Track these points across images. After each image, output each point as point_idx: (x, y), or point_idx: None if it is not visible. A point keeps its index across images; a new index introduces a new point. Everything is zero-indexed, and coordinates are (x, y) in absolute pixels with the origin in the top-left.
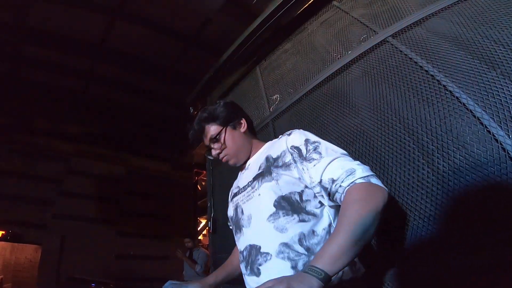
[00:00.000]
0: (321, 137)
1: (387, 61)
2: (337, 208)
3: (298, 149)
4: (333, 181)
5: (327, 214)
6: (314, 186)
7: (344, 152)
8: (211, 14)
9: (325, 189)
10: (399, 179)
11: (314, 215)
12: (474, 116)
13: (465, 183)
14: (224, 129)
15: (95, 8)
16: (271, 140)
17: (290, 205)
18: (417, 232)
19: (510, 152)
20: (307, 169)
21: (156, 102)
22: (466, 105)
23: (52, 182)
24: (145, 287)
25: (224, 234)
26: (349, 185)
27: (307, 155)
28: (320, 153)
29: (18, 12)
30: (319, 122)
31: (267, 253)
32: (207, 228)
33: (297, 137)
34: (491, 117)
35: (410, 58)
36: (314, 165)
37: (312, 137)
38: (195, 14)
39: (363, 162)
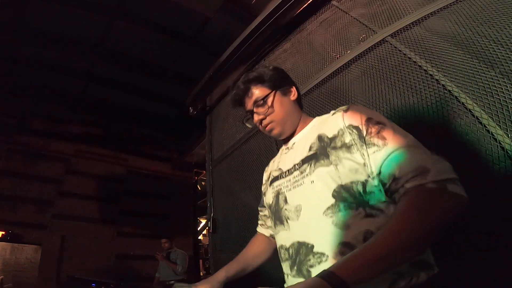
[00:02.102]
0: None
1: (386, 61)
2: None
3: (357, 129)
4: (395, 178)
5: (393, 209)
6: (373, 178)
7: (416, 140)
8: (210, 14)
9: (383, 184)
10: None
11: (381, 210)
12: (473, 115)
13: (464, 182)
14: (272, 92)
15: (94, 8)
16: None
17: (352, 197)
18: None
19: (509, 151)
20: (367, 156)
21: (156, 102)
22: (465, 104)
23: (52, 182)
24: (145, 287)
25: (224, 234)
26: (413, 187)
27: (367, 138)
28: (384, 138)
29: (17, 12)
30: None
31: (322, 254)
32: (207, 228)
33: (357, 114)
34: (489, 116)
35: (409, 58)
36: (374, 152)
37: (376, 116)
38: (195, 14)
39: None
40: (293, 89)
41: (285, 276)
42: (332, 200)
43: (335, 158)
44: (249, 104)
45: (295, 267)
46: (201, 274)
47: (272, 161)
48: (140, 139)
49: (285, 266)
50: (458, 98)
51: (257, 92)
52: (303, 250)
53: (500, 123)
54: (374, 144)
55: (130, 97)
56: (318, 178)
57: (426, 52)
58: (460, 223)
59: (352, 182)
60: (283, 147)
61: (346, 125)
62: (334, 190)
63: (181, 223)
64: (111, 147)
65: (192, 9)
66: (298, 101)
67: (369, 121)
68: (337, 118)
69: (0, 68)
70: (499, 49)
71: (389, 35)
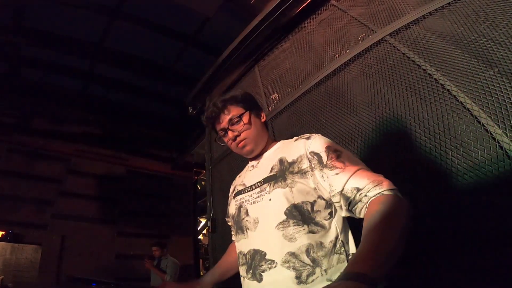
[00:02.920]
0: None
1: (385, 60)
2: (345, 220)
3: (318, 155)
4: (358, 190)
5: (335, 226)
6: (333, 195)
7: (364, 164)
8: (210, 14)
9: (346, 198)
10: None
11: (322, 226)
12: (472, 115)
13: (463, 181)
14: (247, 112)
15: (94, 8)
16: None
17: (301, 214)
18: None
19: (507, 151)
20: (327, 177)
21: (156, 102)
22: (464, 103)
23: (52, 182)
24: (145, 287)
25: (223, 233)
26: (375, 195)
27: (329, 163)
28: (343, 162)
29: (17, 12)
30: (318, 121)
31: (272, 261)
32: (207, 227)
33: (318, 142)
34: (488, 116)
35: (408, 57)
36: (337, 174)
37: (333, 145)
38: (195, 13)
39: (361, 160)
40: (263, 113)
41: (242, 278)
42: (284, 217)
43: (291, 181)
44: (224, 122)
45: (250, 271)
46: (201, 274)
47: (238, 176)
48: (140, 139)
49: (242, 270)
50: (457, 97)
51: (234, 110)
52: (257, 257)
53: (498, 122)
54: (336, 167)
55: (130, 97)
56: (275, 196)
57: (425, 51)
58: (458, 223)
59: (303, 202)
60: (249, 164)
61: (308, 152)
62: (287, 208)
63: (181, 223)
64: (111, 147)
65: (192, 9)
66: (266, 125)
67: (328, 148)
68: (299, 145)
69: (0, 68)
70: (498, 48)
71: (388, 35)
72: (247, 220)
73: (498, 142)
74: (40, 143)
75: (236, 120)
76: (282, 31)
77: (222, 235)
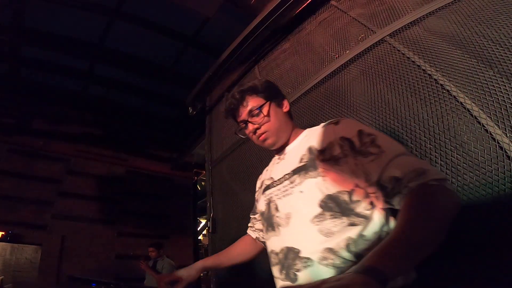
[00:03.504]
0: None
1: (385, 61)
2: (390, 210)
3: (349, 141)
4: (397, 180)
5: (379, 216)
6: (369, 185)
7: (404, 148)
8: (210, 14)
9: (383, 188)
10: None
11: (364, 217)
12: (471, 115)
13: (462, 182)
14: (267, 102)
15: (94, 8)
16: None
17: (338, 206)
18: None
19: (507, 151)
20: (362, 165)
21: (156, 102)
22: (463, 104)
23: (52, 182)
24: (145, 287)
25: (223, 234)
26: (418, 185)
27: (362, 149)
28: (379, 147)
29: (17, 12)
30: (318, 122)
31: (308, 258)
32: (207, 228)
33: (348, 126)
34: (488, 116)
35: (408, 58)
36: (372, 161)
37: (366, 128)
38: (195, 14)
39: None
40: (285, 102)
41: (275, 279)
42: (319, 209)
43: (323, 169)
44: (243, 114)
45: (284, 271)
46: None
47: (265, 170)
48: (140, 139)
49: (275, 270)
50: (457, 97)
51: (253, 101)
52: (290, 255)
53: (498, 122)
54: (371, 153)
55: (130, 97)
56: (307, 188)
57: (424, 51)
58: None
59: (339, 192)
60: (276, 156)
61: (338, 137)
62: (321, 200)
63: (181, 223)
64: (111, 147)
65: (191, 9)
66: (290, 113)
67: (360, 132)
68: (328, 131)
69: (0, 68)
70: (498, 49)
71: (387, 35)
72: (277, 216)
73: (498, 143)
74: (40, 143)
75: (255, 112)
76: (282, 32)
77: (222, 235)
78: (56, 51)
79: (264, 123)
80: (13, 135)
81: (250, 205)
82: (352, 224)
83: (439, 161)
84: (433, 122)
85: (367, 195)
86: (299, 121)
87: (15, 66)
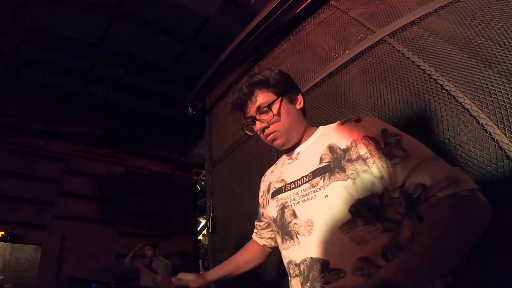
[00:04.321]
0: None
1: (385, 60)
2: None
3: (374, 140)
4: (425, 188)
5: (408, 221)
6: (392, 190)
7: (433, 152)
8: (210, 14)
9: (407, 195)
10: None
11: (397, 222)
12: (471, 115)
13: None
14: (278, 99)
15: (94, 8)
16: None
17: (370, 211)
18: None
19: (507, 151)
20: (386, 168)
21: (156, 102)
22: (463, 104)
23: (52, 182)
24: (145, 287)
25: (223, 234)
26: (449, 195)
27: (387, 150)
28: (405, 150)
29: (17, 12)
30: (318, 122)
31: (340, 270)
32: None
33: (371, 125)
34: (487, 116)
35: (407, 57)
36: (396, 164)
37: (391, 128)
38: (194, 14)
39: None
40: (300, 97)
41: None
42: (349, 216)
43: (353, 171)
44: (251, 110)
45: (308, 284)
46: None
47: (269, 171)
48: (140, 139)
49: (295, 283)
50: (456, 97)
51: (262, 97)
52: (317, 267)
53: (498, 122)
54: (396, 156)
55: (130, 97)
56: (334, 192)
57: (424, 51)
58: None
59: (370, 196)
60: (285, 157)
61: (361, 136)
62: (352, 205)
63: (181, 223)
64: (111, 147)
65: (191, 9)
66: (303, 110)
67: (385, 132)
68: (349, 129)
69: (0, 68)
70: (497, 49)
71: (387, 35)
72: (295, 223)
73: (497, 142)
74: (40, 143)
75: (264, 110)
76: (282, 32)
77: (222, 235)
78: (56, 51)
79: (273, 122)
80: (13, 135)
81: (250, 205)
82: (387, 230)
83: None
84: (432, 122)
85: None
86: None
87: (15, 66)
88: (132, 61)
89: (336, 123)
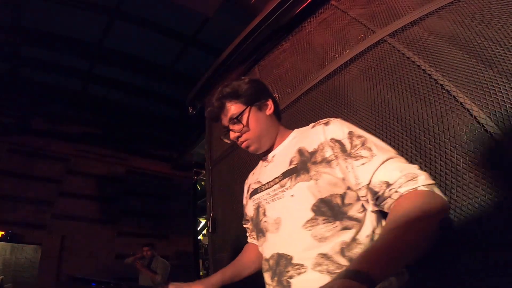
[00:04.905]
0: None
1: (385, 61)
2: (381, 212)
3: (340, 143)
4: (388, 185)
5: (371, 219)
6: (359, 189)
7: (395, 151)
8: (210, 14)
9: (373, 193)
10: None
11: (357, 220)
12: (471, 115)
13: (462, 182)
14: (247, 109)
15: (94, 8)
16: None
17: (330, 209)
18: None
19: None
20: (352, 168)
21: (156, 102)
22: (463, 104)
23: (52, 182)
24: (145, 287)
25: (223, 233)
26: (408, 191)
27: (353, 151)
28: (370, 150)
29: (15, 12)
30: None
31: (301, 265)
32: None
33: (338, 128)
34: (488, 116)
35: (408, 58)
36: (363, 164)
37: (357, 130)
38: (194, 13)
39: None
40: (270, 103)
41: (267, 286)
42: (312, 214)
43: (315, 172)
44: (225, 121)
45: (276, 278)
46: (201, 274)
47: (251, 174)
48: (140, 139)
49: (266, 277)
50: (456, 97)
51: (232, 108)
52: (282, 262)
53: (498, 122)
54: (361, 156)
55: (130, 97)
56: (299, 192)
57: (424, 51)
58: (457, 223)
59: (331, 195)
60: (262, 159)
61: (328, 139)
62: (314, 204)
63: (181, 223)
64: (111, 147)
65: (191, 9)
66: (276, 113)
67: (351, 134)
68: (318, 132)
69: (0, 68)
70: (498, 49)
71: (387, 35)
72: (265, 221)
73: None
74: (40, 143)
75: (235, 120)
76: (282, 31)
77: (222, 235)
78: (56, 51)
79: (244, 132)
80: (13, 135)
81: None
82: (345, 228)
83: (439, 161)
84: (432, 122)
85: (358, 198)
86: (299, 120)
87: (15, 65)
88: (132, 61)
89: (309, 126)
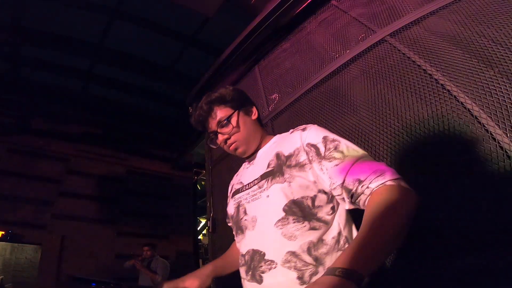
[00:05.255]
0: None
1: (385, 60)
2: (348, 214)
3: (315, 147)
4: (360, 182)
5: (337, 221)
6: (334, 188)
7: (365, 152)
8: (210, 14)
9: (348, 191)
10: None
11: (324, 222)
12: (472, 115)
13: (463, 182)
14: (236, 112)
15: (94, 8)
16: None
17: (301, 210)
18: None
19: (507, 151)
20: (326, 170)
21: (156, 102)
22: (464, 104)
23: (52, 182)
24: (145, 287)
25: (223, 233)
26: (378, 186)
27: (327, 154)
28: (342, 152)
29: (17, 12)
30: (318, 121)
31: (272, 261)
32: (206, 227)
33: (314, 133)
34: (488, 116)
35: (408, 57)
36: (336, 165)
37: (331, 135)
38: (195, 13)
39: None
40: (254, 109)
41: (242, 280)
42: (283, 214)
43: (289, 175)
44: (213, 125)
45: (250, 272)
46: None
47: (235, 175)
48: (140, 139)
49: (242, 271)
50: (457, 97)
51: (221, 112)
52: (256, 257)
53: (499, 122)
54: (335, 158)
55: (130, 97)
56: (273, 193)
57: (425, 51)
58: (457, 223)
59: (302, 197)
60: (246, 162)
61: (305, 144)
62: (286, 205)
63: (181, 223)
64: (111, 147)
65: (192, 9)
66: (259, 120)
67: (325, 138)
68: (295, 137)
69: (0, 68)
70: (498, 49)
71: (388, 35)
72: (245, 219)
73: (499, 143)
74: (40, 143)
75: (224, 123)
76: (282, 31)
77: (222, 235)
78: (56, 50)
79: (233, 133)
80: (13, 135)
81: None
82: (313, 229)
83: (439, 161)
84: (433, 122)
85: (331, 200)
86: (299, 120)
87: (15, 66)
88: (132, 60)
89: (288, 132)
